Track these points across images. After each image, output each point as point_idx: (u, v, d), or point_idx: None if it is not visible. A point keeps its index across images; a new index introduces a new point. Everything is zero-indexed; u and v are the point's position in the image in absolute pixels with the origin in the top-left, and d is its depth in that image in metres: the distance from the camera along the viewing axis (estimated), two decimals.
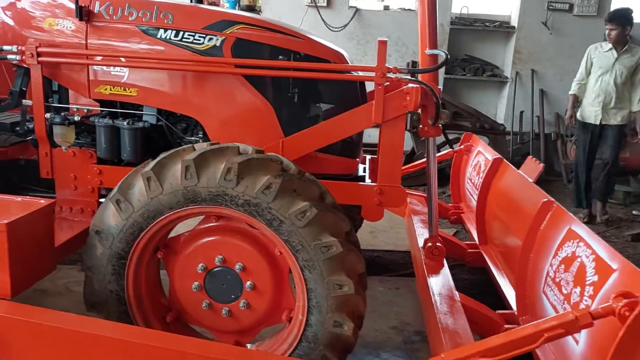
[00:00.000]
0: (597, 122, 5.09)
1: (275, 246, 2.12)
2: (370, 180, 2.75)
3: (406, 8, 7.40)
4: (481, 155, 3.71)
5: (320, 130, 2.54)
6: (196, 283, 2.19)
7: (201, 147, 2.09)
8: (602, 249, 1.92)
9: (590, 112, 5.16)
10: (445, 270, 2.69)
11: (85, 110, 2.67)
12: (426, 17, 2.76)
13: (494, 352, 1.62)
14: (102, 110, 2.66)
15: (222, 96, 2.57)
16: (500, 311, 2.56)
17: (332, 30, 6.94)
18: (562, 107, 7.52)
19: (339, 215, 2.05)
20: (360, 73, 2.63)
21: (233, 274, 2.17)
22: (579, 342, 1.83)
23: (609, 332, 1.55)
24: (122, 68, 2.57)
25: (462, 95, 7.45)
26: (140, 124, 2.59)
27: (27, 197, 2.21)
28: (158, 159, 2.05)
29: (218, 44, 2.51)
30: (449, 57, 2.50)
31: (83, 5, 2.50)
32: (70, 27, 2.58)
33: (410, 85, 2.43)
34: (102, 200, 2.79)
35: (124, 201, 2.04)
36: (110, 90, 2.61)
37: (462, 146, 4.05)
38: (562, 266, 2.14)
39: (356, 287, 2.01)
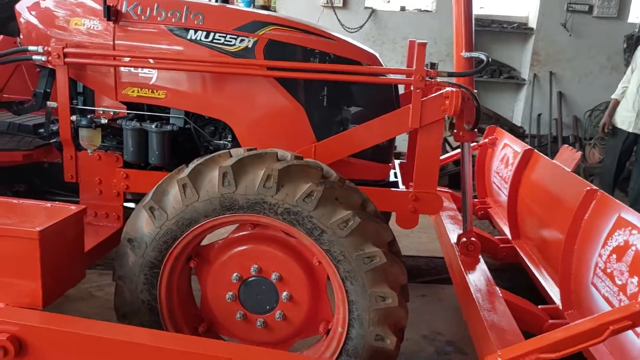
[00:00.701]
0: (630, 130, 4.87)
1: (313, 256, 2.04)
2: (403, 186, 2.68)
3: (422, 9, 7.31)
4: (508, 147, 3.62)
5: (355, 134, 2.46)
6: (230, 293, 2.12)
7: (238, 152, 2.01)
8: None
9: (625, 117, 4.93)
10: (483, 265, 2.63)
11: (112, 113, 2.60)
12: (462, 19, 2.68)
13: (555, 348, 1.56)
14: (128, 113, 2.59)
15: (253, 99, 2.50)
16: (543, 306, 2.48)
17: (348, 31, 6.86)
18: (581, 110, 7.45)
19: (382, 224, 1.97)
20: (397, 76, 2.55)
21: (269, 284, 2.09)
22: None
23: None
24: (150, 70, 2.50)
25: (479, 98, 7.34)
26: (169, 127, 2.51)
27: (57, 202, 2.14)
28: (193, 165, 1.98)
29: (250, 46, 2.44)
30: (489, 59, 2.41)
31: (111, 5, 2.43)
32: (97, 28, 2.51)
33: (449, 88, 2.35)
34: (127, 205, 2.76)
35: (158, 208, 1.97)
36: (138, 92, 2.54)
37: (486, 139, 3.94)
38: (614, 256, 2.06)
39: (399, 299, 1.93)
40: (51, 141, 2.69)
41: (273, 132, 2.51)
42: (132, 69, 2.52)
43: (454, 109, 2.31)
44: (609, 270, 2.06)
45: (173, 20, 2.47)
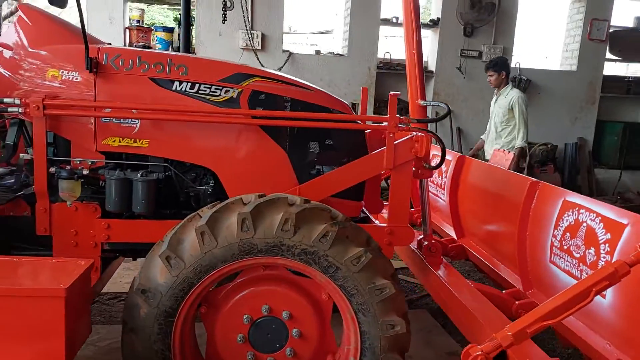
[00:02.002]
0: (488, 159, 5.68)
1: (321, 291, 2.19)
2: (377, 221, 2.91)
3: (335, 53, 7.78)
4: (438, 157, 4.02)
5: (336, 176, 2.66)
6: (240, 335, 2.18)
7: (249, 199, 2.12)
8: (605, 209, 2.21)
9: (486, 150, 5.88)
10: (446, 263, 2.91)
11: (89, 163, 2.56)
12: (415, 70, 3.02)
13: (554, 314, 1.79)
14: (106, 163, 2.58)
15: (239, 146, 2.61)
16: (506, 290, 2.79)
17: None
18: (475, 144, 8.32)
19: (385, 258, 2.18)
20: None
21: (279, 323, 2.19)
22: (605, 296, 2.05)
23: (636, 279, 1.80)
24: (133, 120, 2.52)
25: None
26: (154, 176, 2.54)
27: (61, 258, 2.08)
28: (210, 212, 2.05)
29: (235, 96, 2.57)
30: (450, 109, 2.75)
31: (92, 56, 2.44)
32: (76, 79, 2.49)
33: (418, 133, 2.65)
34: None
35: (174, 257, 2.01)
36: (120, 142, 2.54)
37: None
38: (568, 234, 2.39)
39: (406, 325, 2.13)
40: (20, 194, 2.58)
41: (258, 177, 2.63)
42: (113, 120, 2.52)
43: (425, 151, 2.61)
44: (565, 247, 2.39)
45: (157, 72, 2.53)
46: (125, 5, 7.00)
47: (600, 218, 2.23)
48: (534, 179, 2.80)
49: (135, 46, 6.42)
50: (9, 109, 2.39)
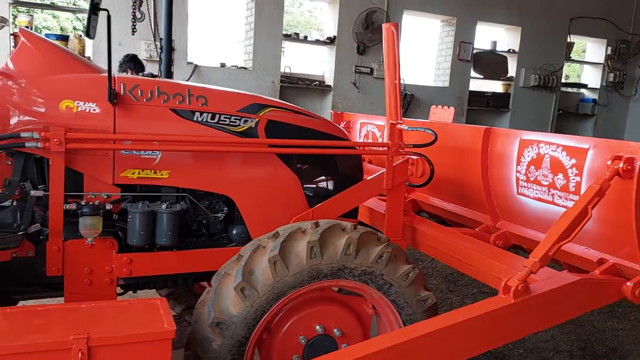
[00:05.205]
0: None
1: (365, 306, 2.41)
2: None
3: (239, 66, 7.86)
4: (367, 125, 4.43)
5: (343, 198, 2.87)
6: (296, 356, 2.31)
7: (306, 226, 2.26)
8: (564, 139, 2.62)
9: None
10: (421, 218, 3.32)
11: (104, 197, 2.47)
12: (396, 96, 3.31)
13: (567, 234, 2.11)
14: (123, 196, 2.50)
15: (257, 173, 2.70)
16: (478, 227, 3.22)
17: None
18: None
19: (422, 271, 2.46)
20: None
21: (330, 340, 2.36)
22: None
23: (614, 192, 2.22)
24: (153, 151, 2.49)
25: None
26: (178, 207, 2.53)
27: (128, 299, 2.02)
28: (279, 242, 2.16)
29: (253, 126, 2.66)
30: (437, 136, 3.08)
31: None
32: (94, 110, 2.39)
33: (413, 156, 2.99)
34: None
35: (249, 288, 2.08)
36: (139, 174, 2.49)
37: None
38: (532, 167, 2.80)
39: None
40: (28, 233, 2.38)
41: (274, 202, 2.75)
42: (134, 152, 2.46)
43: (422, 172, 2.96)
44: (532, 178, 2.81)
45: (177, 102, 2.53)
46: (11, 9, 6.34)
47: (561, 148, 2.64)
48: (487, 127, 3.20)
49: None
50: (27, 144, 2.23)
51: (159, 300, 1.98)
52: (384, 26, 3.29)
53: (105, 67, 2.39)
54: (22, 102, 2.33)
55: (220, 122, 2.59)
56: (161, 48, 3.79)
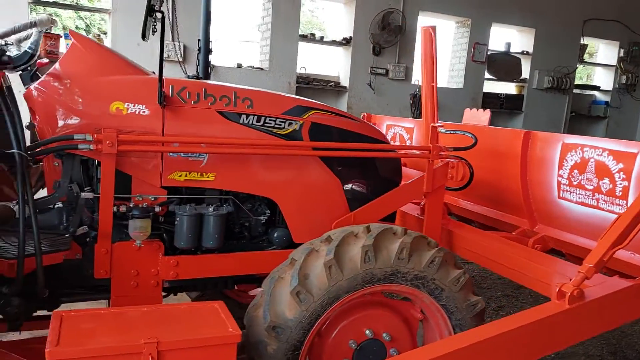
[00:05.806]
0: None
1: (413, 311, 2.40)
2: None
3: (255, 67, 7.85)
4: (394, 127, 4.43)
5: (384, 201, 2.87)
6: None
7: (358, 230, 2.26)
8: (610, 143, 2.60)
9: None
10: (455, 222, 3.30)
11: (152, 199, 2.46)
12: (433, 99, 3.30)
13: (622, 238, 2.04)
14: (169, 198, 2.50)
15: (300, 176, 2.69)
16: (516, 231, 3.16)
17: None
18: None
19: (471, 277, 2.46)
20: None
21: (379, 344, 2.35)
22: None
23: None
24: (201, 153, 2.48)
25: None
26: (225, 210, 2.52)
27: (186, 303, 2.02)
28: (334, 246, 2.15)
29: (297, 128, 2.65)
30: (477, 140, 3.07)
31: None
32: (143, 112, 2.38)
33: (453, 160, 2.99)
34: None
35: (305, 292, 2.08)
36: (186, 176, 2.49)
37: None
38: (576, 171, 2.78)
39: None
40: (76, 235, 2.38)
41: (316, 205, 2.74)
42: (181, 154, 2.46)
43: (462, 175, 2.95)
44: (575, 183, 2.78)
45: (224, 105, 2.52)
46: (30, 10, 6.35)
47: (607, 152, 2.62)
48: (526, 130, 3.16)
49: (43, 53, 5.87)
50: (80, 147, 2.23)
51: (217, 304, 1.97)
52: (422, 29, 3.29)
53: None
54: (72, 103, 2.32)
55: (266, 124, 2.59)
56: (199, 49, 3.79)
